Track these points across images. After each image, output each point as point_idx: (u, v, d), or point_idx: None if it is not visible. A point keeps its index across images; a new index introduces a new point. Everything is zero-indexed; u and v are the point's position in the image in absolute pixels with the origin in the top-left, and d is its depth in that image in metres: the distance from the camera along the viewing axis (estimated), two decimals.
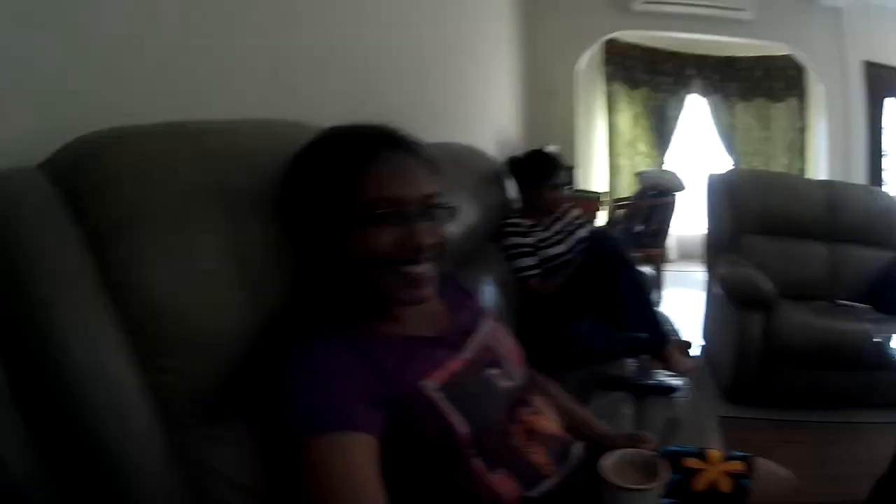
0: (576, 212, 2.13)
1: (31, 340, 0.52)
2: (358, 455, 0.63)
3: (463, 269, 1.48)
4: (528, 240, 1.90)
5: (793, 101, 5.43)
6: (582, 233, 2.05)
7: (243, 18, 1.05)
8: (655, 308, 1.80)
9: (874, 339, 1.91)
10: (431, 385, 0.70)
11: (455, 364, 0.75)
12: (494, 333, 0.89)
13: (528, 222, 1.95)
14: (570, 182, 3.89)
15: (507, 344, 0.90)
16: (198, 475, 0.63)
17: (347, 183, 0.69)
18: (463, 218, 1.43)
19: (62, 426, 0.54)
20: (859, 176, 4.61)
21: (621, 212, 4.21)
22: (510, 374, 0.83)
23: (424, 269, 0.71)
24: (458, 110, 2.68)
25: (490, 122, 3.39)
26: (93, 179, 0.59)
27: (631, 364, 1.68)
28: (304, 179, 0.73)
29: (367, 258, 0.69)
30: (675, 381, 1.54)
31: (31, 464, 0.54)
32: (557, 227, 2.02)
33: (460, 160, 1.65)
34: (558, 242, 1.96)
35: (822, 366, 2.34)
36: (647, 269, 2.44)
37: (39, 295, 0.53)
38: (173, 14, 0.87)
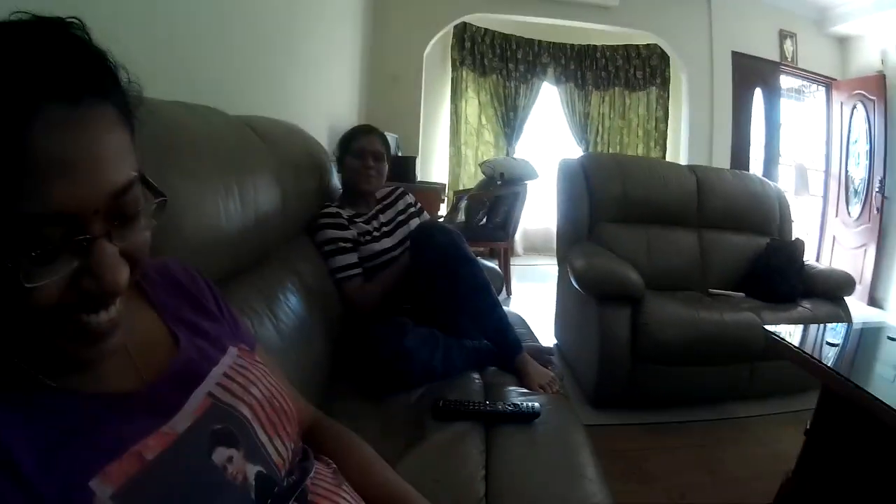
0: (409, 198, 1.77)
1: None
2: None
3: (255, 270, 1.13)
4: (348, 233, 1.51)
5: (653, 91, 5.57)
6: (416, 223, 1.70)
7: None
8: (503, 310, 1.49)
9: (764, 328, 1.71)
10: (102, 490, 0.39)
11: (153, 445, 0.44)
12: (245, 374, 0.56)
13: (347, 212, 1.56)
14: (410, 169, 3.61)
15: (268, 392, 0.56)
16: None
17: None
18: (258, 205, 1.11)
19: None
20: (723, 165, 4.66)
21: (463, 203, 3.97)
22: (264, 448, 0.52)
23: (110, 315, 0.43)
24: (285, 90, 2.26)
25: (324, 106, 2.98)
26: None
27: (477, 381, 1.37)
28: None
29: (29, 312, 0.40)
30: (533, 402, 1.24)
31: None
32: (384, 217, 1.65)
33: (271, 136, 1.33)
34: (385, 236, 1.59)
35: (699, 361, 2.15)
36: (491, 265, 2.13)
37: None
38: None
